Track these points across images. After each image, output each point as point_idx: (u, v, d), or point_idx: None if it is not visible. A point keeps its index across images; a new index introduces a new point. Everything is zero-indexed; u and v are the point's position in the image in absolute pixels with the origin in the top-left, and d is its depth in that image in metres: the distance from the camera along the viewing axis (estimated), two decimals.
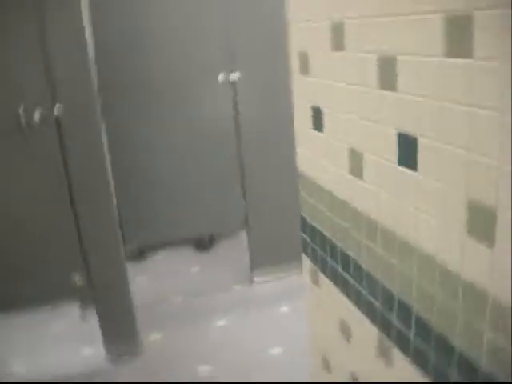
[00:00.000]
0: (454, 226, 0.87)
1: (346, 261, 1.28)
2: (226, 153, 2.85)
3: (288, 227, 2.48)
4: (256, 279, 3.02)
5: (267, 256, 2.93)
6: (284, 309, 2.63)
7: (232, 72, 2.73)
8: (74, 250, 2.31)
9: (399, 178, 1.01)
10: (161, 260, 3.49)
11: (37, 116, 2.15)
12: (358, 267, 1.21)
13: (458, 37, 0.80)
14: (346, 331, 1.36)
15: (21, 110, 2.12)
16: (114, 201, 2.42)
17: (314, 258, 1.48)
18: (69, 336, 2.73)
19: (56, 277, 2.31)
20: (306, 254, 1.54)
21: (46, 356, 2.57)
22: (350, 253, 1.25)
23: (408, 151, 0.97)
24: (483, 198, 0.79)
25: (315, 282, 1.50)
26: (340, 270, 1.32)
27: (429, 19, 0.86)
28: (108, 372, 2.38)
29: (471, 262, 0.84)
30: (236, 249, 3.33)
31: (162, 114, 2.74)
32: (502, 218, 0.76)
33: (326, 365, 1.51)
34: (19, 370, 2.52)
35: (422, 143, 0.93)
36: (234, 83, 2.74)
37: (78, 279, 2.27)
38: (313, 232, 1.45)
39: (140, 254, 3.44)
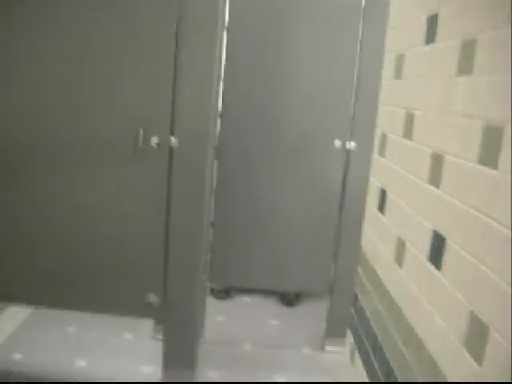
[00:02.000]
0: (454, 333, 0.85)
1: (375, 344, 1.27)
2: (326, 216, 2.86)
3: None
4: (327, 348, 2.97)
5: (343, 327, 2.87)
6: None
7: (349, 141, 2.76)
8: (158, 271, 2.42)
9: (425, 274, 1.00)
10: (244, 304, 3.54)
11: (153, 141, 2.27)
12: (382, 354, 1.20)
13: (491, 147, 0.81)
14: None
15: (140, 134, 2.25)
16: (208, 236, 2.52)
17: (355, 335, 1.47)
18: (135, 348, 2.87)
19: (135, 293, 2.43)
20: (351, 328, 1.54)
21: (108, 359, 2.72)
22: (379, 337, 1.24)
23: (437, 249, 0.97)
24: (481, 314, 0.78)
25: (352, 358, 1.49)
26: (370, 352, 1.31)
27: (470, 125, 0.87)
28: None
29: (460, 372, 0.82)
30: (320, 312, 3.30)
31: (273, 166, 2.82)
32: (494, 337, 0.74)
33: None
34: (81, 365, 2.67)
35: (449, 245, 0.93)
36: (349, 151, 2.76)
37: (153, 299, 2.39)
38: (360, 310, 1.45)
39: (226, 294, 3.52)
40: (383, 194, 1.32)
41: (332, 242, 2.89)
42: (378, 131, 1.45)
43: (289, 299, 3.39)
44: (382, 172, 1.36)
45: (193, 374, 2.59)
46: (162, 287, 2.46)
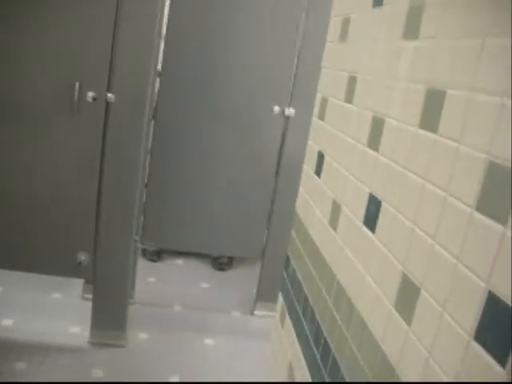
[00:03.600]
0: (385, 295, 0.86)
1: (305, 307, 1.28)
2: (263, 181, 2.87)
3: None
4: (257, 312, 3.01)
5: (274, 292, 2.91)
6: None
7: (288, 107, 2.78)
8: (89, 229, 2.37)
9: (360, 238, 1.01)
10: (176, 267, 3.53)
11: (89, 96, 2.23)
12: (313, 317, 1.21)
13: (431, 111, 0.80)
14: (290, 375, 1.35)
15: (76, 88, 2.20)
16: (142, 196, 2.49)
17: (286, 298, 1.48)
18: (63, 308, 2.81)
19: (65, 251, 2.38)
20: (282, 292, 1.55)
21: (35, 319, 2.65)
22: (310, 300, 1.25)
23: (372, 213, 0.98)
24: (413, 275, 0.79)
25: (282, 321, 1.50)
26: (301, 315, 1.32)
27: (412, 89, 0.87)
28: (86, 353, 2.43)
29: (391, 336, 0.83)
30: (251, 277, 3.35)
31: (211, 130, 2.80)
32: (423, 297, 0.75)
33: None
34: (7, 324, 2.59)
35: (385, 208, 0.93)
36: (288, 117, 2.78)
37: (83, 258, 2.34)
38: (292, 272, 1.46)
39: (158, 256, 3.49)
40: (321, 158, 1.32)
41: (267, 207, 2.91)
42: (319, 95, 1.44)
43: (221, 263, 3.42)
44: (320, 136, 1.36)
45: (122, 334, 2.57)
46: (92, 246, 2.42)
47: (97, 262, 2.44)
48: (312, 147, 1.42)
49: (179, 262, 3.56)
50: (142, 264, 3.29)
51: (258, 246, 2.97)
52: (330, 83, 1.34)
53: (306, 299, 1.26)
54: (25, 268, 2.46)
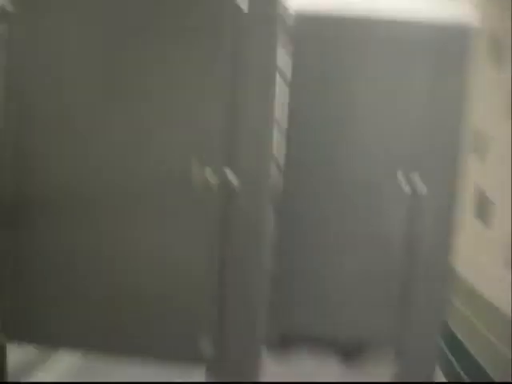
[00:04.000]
0: None
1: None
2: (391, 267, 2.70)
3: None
4: None
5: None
6: None
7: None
8: (212, 315, 2.25)
9: None
10: (302, 360, 3.29)
11: (207, 173, 2.16)
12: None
13: None
14: None
15: (193, 165, 2.14)
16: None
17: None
18: None
19: (184, 337, 2.26)
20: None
21: None
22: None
23: None
24: None
25: None
26: None
27: None
28: None
29: None
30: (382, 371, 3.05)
31: (338, 211, 2.71)
32: None
33: None
34: None
35: None
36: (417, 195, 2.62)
37: (205, 345, 2.19)
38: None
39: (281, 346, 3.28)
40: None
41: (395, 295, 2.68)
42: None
43: (350, 355, 3.17)
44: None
45: None
46: (217, 335, 2.26)
47: (221, 350, 2.26)
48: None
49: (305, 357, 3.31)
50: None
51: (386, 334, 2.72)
52: None
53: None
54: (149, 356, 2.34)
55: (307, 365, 3.22)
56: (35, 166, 2.19)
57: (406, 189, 2.60)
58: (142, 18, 2.10)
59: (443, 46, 2.48)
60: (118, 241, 2.23)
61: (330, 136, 2.68)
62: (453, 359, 1.29)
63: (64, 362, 2.89)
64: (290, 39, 2.59)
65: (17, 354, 2.64)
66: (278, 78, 2.20)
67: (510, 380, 0.76)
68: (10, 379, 2.52)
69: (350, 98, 2.67)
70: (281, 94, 2.43)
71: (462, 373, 1.22)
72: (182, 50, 2.10)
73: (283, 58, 2.46)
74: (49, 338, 2.28)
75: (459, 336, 1.22)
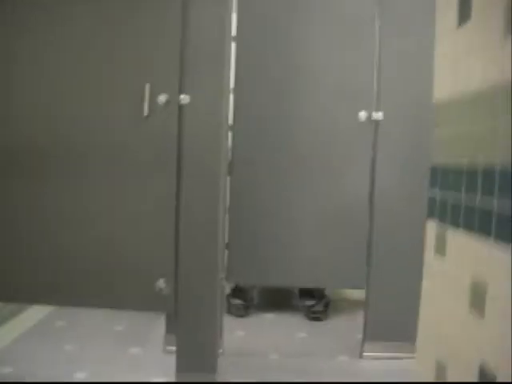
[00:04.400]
0: None
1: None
2: (355, 200, 2.61)
3: (408, 305, 2.16)
4: (366, 354, 2.61)
5: (382, 331, 2.57)
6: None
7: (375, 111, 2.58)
8: (168, 256, 2.15)
9: None
10: (266, 320, 3.18)
11: (161, 99, 2.11)
12: None
13: None
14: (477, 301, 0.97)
15: (146, 90, 2.09)
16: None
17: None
18: (144, 362, 2.55)
19: (142, 280, 2.13)
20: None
21: (111, 373, 2.38)
22: None
23: None
24: None
25: (441, 249, 1.16)
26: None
27: None
28: None
29: None
30: (351, 324, 2.98)
31: (293, 141, 2.62)
32: None
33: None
34: (80, 376, 2.36)
35: None
36: (376, 123, 2.57)
37: (164, 286, 2.06)
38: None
39: (245, 310, 3.15)
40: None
41: (365, 233, 2.65)
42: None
43: (315, 312, 3.11)
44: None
45: (212, 377, 2.25)
46: (172, 274, 2.20)
47: (179, 290, 2.17)
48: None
49: (269, 316, 3.22)
50: (229, 320, 3.00)
51: (359, 276, 2.65)
52: None
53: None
54: (107, 305, 2.23)
55: (272, 323, 3.13)
56: None
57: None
58: None
59: None
60: (71, 187, 2.17)
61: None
62: None
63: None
64: None
65: None
66: None
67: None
68: None
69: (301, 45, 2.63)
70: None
71: None
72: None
73: None
74: (13, 293, 2.21)
75: None
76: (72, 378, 2.32)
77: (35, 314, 2.98)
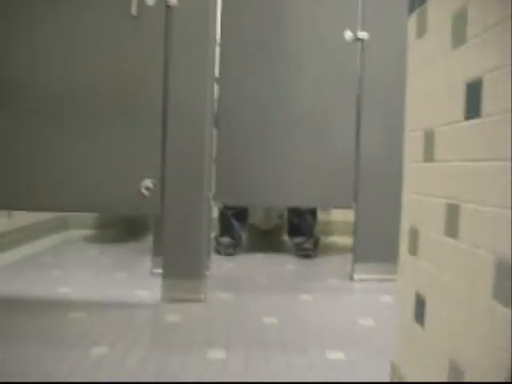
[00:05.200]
0: None
1: None
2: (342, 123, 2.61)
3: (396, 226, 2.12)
4: (356, 276, 2.57)
5: (374, 249, 2.54)
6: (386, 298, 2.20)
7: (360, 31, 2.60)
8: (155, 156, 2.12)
9: None
10: (255, 258, 3.14)
11: (150, 1, 2.10)
12: None
13: None
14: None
15: None
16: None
17: None
18: (130, 283, 2.53)
19: (128, 181, 2.10)
20: None
21: (97, 289, 2.41)
22: None
23: None
24: None
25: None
26: None
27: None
28: (156, 307, 2.15)
29: None
30: (339, 261, 2.95)
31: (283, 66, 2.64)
32: None
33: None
34: (64, 291, 2.36)
35: None
36: (362, 42, 2.57)
37: (150, 184, 2.02)
38: None
39: (233, 248, 3.11)
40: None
41: (352, 150, 2.65)
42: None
43: (305, 249, 3.07)
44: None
45: (199, 285, 2.21)
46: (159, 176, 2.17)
47: (165, 193, 2.13)
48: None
49: (258, 255, 3.18)
50: (217, 258, 2.96)
51: (347, 195, 2.62)
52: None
53: None
54: (91, 208, 2.21)
55: (261, 260, 3.08)
56: None
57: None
58: None
59: None
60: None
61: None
62: None
63: None
64: None
65: None
66: None
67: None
68: None
69: None
70: None
71: None
72: None
73: None
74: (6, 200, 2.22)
75: None
76: (55, 292, 2.28)
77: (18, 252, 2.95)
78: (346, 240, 3.28)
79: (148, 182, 2.13)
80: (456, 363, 0.87)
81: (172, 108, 2.21)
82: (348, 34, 2.53)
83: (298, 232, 3.22)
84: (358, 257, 2.60)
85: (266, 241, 3.53)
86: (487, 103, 0.80)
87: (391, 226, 2.48)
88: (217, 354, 1.66)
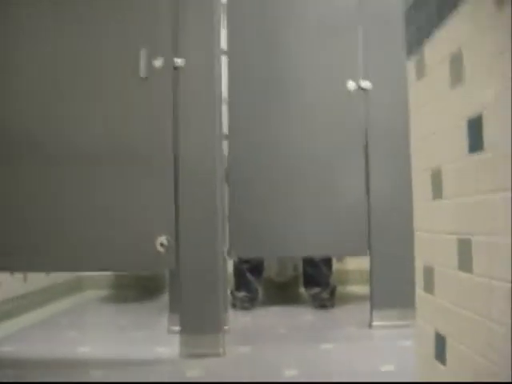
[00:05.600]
0: None
1: None
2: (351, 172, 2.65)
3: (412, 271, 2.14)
4: (375, 323, 2.55)
5: (392, 296, 2.52)
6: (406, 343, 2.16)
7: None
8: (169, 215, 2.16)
9: None
10: (272, 311, 3.11)
11: (158, 63, 2.18)
12: None
13: None
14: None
15: (142, 54, 2.16)
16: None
17: None
18: (148, 342, 2.52)
19: (140, 238, 2.12)
20: None
21: (115, 347, 2.42)
22: None
23: None
24: None
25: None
26: None
27: None
28: (175, 363, 2.13)
29: None
30: (356, 310, 2.93)
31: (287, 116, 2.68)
32: None
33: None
34: (84, 350, 2.36)
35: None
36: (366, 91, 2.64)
37: (165, 241, 2.05)
38: None
39: (250, 302, 3.08)
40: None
41: (363, 198, 2.67)
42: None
43: (322, 299, 3.05)
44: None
45: (217, 339, 2.21)
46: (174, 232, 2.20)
47: (180, 249, 2.16)
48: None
49: (275, 308, 3.15)
50: (233, 313, 2.95)
51: (361, 242, 2.63)
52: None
53: None
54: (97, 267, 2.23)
55: (278, 312, 3.06)
56: None
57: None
58: None
59: None
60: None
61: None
62: None
63: None
64: None
65: None
66: None
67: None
68: None
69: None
70: None
71: None
72: None
73: None
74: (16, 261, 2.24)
75: None
76: (75, 352, 2.27)
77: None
78: (362, 289, 3.26)
79: (163, 239, 2.16)
80: None
81: (183, 165, 2.26)
82: (351, 84, 2.60)
83: (314, 283, 3.20)
84: (376, 303, 2.58)
85: (282, 294, 3.51)
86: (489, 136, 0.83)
87: (407, 271, 2.49)
88: None
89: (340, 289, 3.47)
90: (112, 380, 1.94)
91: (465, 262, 0.92)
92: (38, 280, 3.04)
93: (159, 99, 2.24)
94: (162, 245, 2.18)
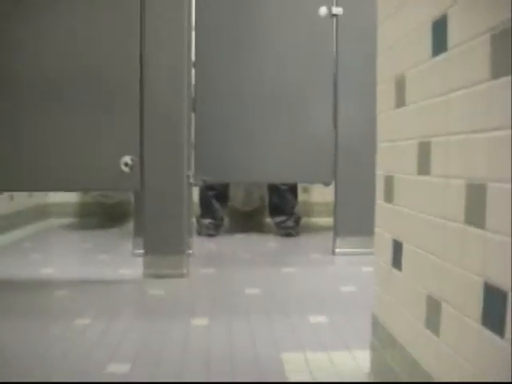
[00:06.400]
0: None
1: None
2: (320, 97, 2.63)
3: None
4: (338, 250, 2.60)
5: (355, 223, 2.56)
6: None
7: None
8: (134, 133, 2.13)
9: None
10: (236, 238, 3.14)
11: None
12: None
13: None
14: None
15: None
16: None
17: None
18: (112, 263, 2.54)
19: (105, 157, 2.10)
20: None
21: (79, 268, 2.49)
22: None
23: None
24: None
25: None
26: None
27: None
28: (138, 283, 2.18)
29: None
30: (320, 239, 2.97)
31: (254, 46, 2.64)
32: None
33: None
34: (47, 272, 2.38)
35: None
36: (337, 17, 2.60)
37: (129, 160, 2.02)
38: None
39: (215, 229, 3.11)
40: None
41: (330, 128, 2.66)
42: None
43: (286, 227, 3.08)
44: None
45: (180, 260, 2.21)
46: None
47: (145, 171, 2.13)
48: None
49: (240, 235, 3.19)
50: (198, 239, 2.96)
51: (326, 170, 2.64)
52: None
53: None
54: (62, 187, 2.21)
55: (243, 239, 3.10)
56: None
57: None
58: None
59: None
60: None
61: None
62: None
63: None
64: None
65: None
66: None
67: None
68: None
69: None
70: None
71: None
72: None
73: None
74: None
75: None
76: (38, 273, 2.28)
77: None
78: (327, 221, 3.31)
79: (127, 159, 2.14)
80: (433, 296, 0.89)
81: (150, 88, 2.22)
82: (323, 10, 2.55)
83: (279, 211, 3.23)
84: (340, 231, 2.62)
85: (247, 223, 3.54)
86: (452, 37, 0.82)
87: (371, 200, 2.52)
88: (200, 322, 1.69)
89: (305, 220, 3.52)
90: (76, 299, 1.98)
91: (424, 165, 0.93)
92: (0, 207, 3.00)
93: (126, 23, 2.18)
94: (126, 164, 2.17)
